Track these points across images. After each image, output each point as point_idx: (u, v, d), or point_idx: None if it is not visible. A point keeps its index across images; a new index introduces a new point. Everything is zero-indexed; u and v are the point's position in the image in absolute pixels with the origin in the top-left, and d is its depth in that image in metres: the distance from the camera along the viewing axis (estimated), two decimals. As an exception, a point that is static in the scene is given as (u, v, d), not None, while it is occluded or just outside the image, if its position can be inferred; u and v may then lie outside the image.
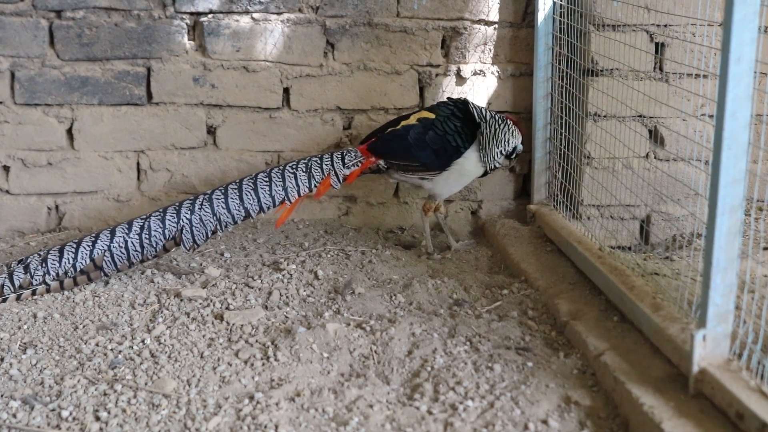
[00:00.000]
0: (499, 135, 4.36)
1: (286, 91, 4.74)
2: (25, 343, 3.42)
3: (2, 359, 3.27)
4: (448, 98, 4.55)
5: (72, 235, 4.64)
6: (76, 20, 4.52)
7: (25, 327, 3.56)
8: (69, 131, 4.65)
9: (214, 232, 4.08)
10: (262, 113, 4.75)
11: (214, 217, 4.06)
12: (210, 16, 4.61)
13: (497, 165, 4.45)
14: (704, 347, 2.71)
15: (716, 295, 2.68)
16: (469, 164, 4.37)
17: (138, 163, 4.74)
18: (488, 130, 4.34)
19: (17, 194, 4.67)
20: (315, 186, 4.21)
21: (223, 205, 4.07)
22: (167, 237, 4.01)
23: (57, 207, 4.73)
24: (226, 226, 4.10)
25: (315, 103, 4.76)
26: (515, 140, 4.45)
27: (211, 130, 4.75)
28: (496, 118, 4.39)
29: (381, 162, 4.35)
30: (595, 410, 2.87)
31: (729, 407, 2.56)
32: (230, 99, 4.71)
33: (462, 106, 4.39)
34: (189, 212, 4.04)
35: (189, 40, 4.65)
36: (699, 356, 2.72)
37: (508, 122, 4.41)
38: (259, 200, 4.11)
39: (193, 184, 4.76)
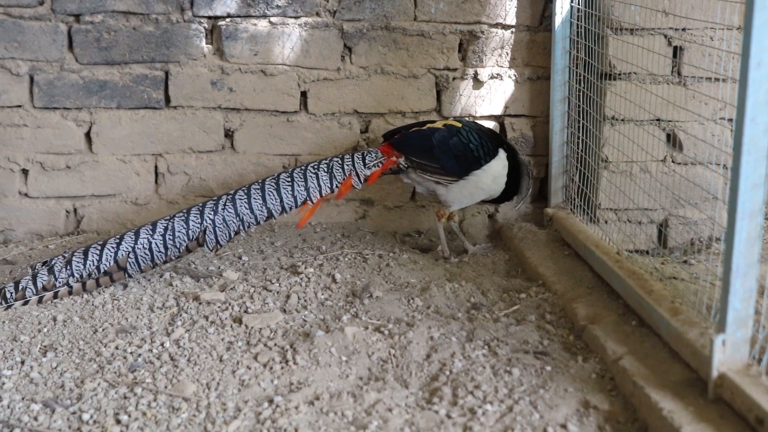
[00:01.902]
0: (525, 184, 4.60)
1: (304, 94, 4.75)
2: (45, 347, 3.43)
3: (23, 362, 3.29)
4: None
5: (90, 238, 4.66)
6: (95, 24, 4.55)
7: (45, 330, 3.58)
8: (87, 135, 4.68)
9: (237, 233, 4.09)
10: (280, 117, 4.76)
11: (237, 218, 4.07)
12: (228, 20, 4.62)
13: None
14: (723, 352, 2.71)
15: (736, 299, 2.68)
16: (486, 178, 4.38)
17: (156, 167, 4.76)
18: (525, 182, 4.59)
19: (36, 197, 4.70)
20: (337, 186, 4.22)
21: (246, 206, 4.08)
22: (191, 238, 4.02)
23: (75, 210, 4.76)
24: (248, 227, 4.11)
25: (332, 107, 4.77)
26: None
27: (228, 134, 4.77)
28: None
29: (401, 160, 4.36)
30: (614, 415, 2.87)
31: (749, 412, 2.56)
32: (248, 103, 4.72)
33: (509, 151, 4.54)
34: (212, 213, 4.05)
35: (207, 43, 4.67)
36: (718, 361, 2.71)
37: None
38: (281, 200, 4.12)
39: (210, 187, 4.78)
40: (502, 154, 4.41)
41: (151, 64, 4.64)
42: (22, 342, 3.46)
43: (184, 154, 4.75)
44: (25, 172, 4.67)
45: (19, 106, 4.60)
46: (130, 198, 4.77)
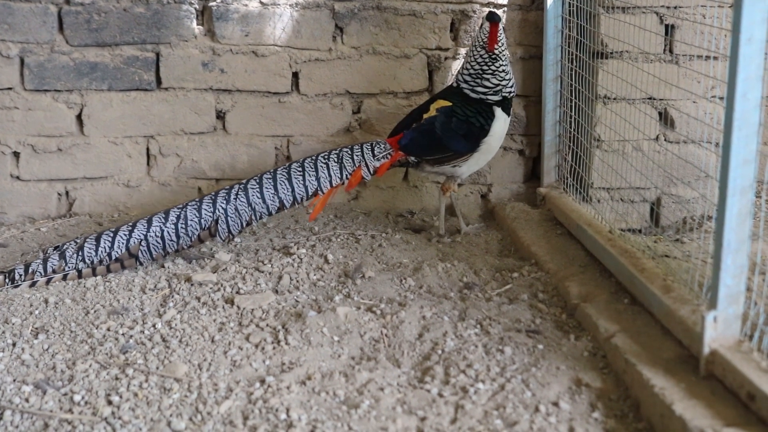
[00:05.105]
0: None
1: (295, 75, 4.74)
2: (36, 328, 3.43)
3: (14, 344, 3.28)
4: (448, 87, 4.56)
5: (82, 220, 4.65)
6: (85, 6, 4.52)
7: (37, 312, 3.57)
8: (78, 117, 4.66)
9: (249, 223, 4.09)
10: (272, 98, 4.75)
11: (249, 207, 4.06)
12: (219, 0, 4.60)
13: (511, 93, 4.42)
14: (715, 328, 2.71)
15: (727, 276, 2.68)
16: (494, 141, 4.37)
17: (148, 149, 4.74)
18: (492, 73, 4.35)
19: (27, 180, 4.68)
20: (347, 177, 4.21)
21: (258, 195, 4.08)
22: (203, 227, 4.02)
23: (67, 193, 4.74)
24: (260, 217, 4.10)
25: (324, 88, 4.75)
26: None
27: (220, 115, 4.75)
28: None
29: (412, 158, 4.35)
30: (606, 392, 2.87)
31: (740, 388, 2.56)
32: (239, 84, 4.70)
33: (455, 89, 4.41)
34: (224, 202, 4.05)
35: (198, 24, 4.64)
36: (710, 337, 2.72)
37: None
38: (293, 190, 4.11)
39: (202, 169, 4.77)
40: (499, 113, 4.34)
41: (142, 46, 4.62)
42: (13, 324, 3.46)
43: (175, 135, 4.74)
44: (16, 154, 4.65)
45: (10, 89, 4.57)
46: (122, 180, 4.75)
